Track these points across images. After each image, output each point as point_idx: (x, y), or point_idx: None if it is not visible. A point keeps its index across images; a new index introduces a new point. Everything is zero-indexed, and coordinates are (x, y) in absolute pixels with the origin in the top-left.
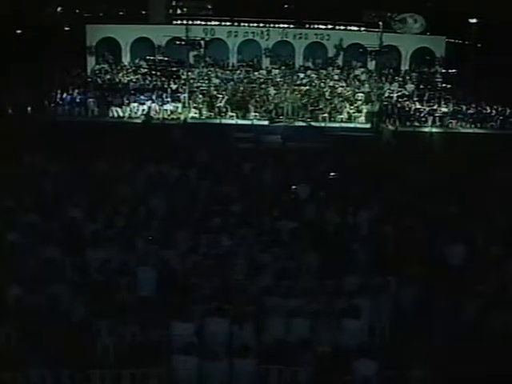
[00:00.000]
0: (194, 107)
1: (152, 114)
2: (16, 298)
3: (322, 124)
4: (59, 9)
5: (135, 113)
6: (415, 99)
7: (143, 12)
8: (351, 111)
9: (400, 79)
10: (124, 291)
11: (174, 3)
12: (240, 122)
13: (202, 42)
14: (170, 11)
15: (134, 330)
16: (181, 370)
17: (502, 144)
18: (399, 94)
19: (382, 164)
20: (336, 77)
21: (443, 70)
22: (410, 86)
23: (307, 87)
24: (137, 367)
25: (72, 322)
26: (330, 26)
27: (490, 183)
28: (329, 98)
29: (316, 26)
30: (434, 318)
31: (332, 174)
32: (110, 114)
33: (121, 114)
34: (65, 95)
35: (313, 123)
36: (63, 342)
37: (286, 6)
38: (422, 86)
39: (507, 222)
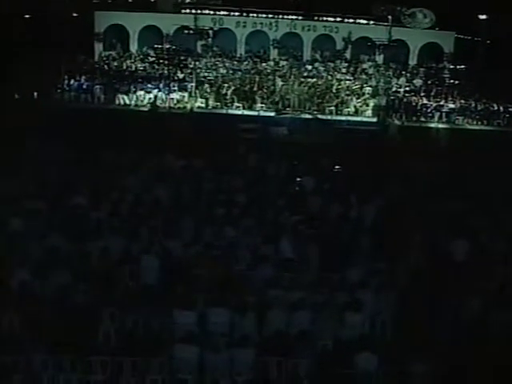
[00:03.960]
0: (201, 97)
1: (158, 102)
2: (19, 284)
3: (329, 117)
4: None
5: (141, 101)
6: (422, 94)
7: (152, 0)
8: (358, 105)
9: (408, 74)
10: (127, 279)
11: None
12: (246, 112)
13: (210, 32)
14: (179, 0)
15: (136, 318)
16: (182, 359)
17: (509, 141)
18: (406, 88)
19: (387, 158)
20: (344, 70)
21: (451, 66)
22: (418, 81)
23: (314, 79)
24: (138, 355)
25: (74, 309)
26: (338, 19)
27: (494, 180)
28: (336, 91)
29: (325, 19)
30: (436, 313)
31: (337, 166)
32: (117, 102)
33: (127, 102)
34: (72, 81)
35: (319, 116)
36: (65, 329)
37: None
38: (429, 82)
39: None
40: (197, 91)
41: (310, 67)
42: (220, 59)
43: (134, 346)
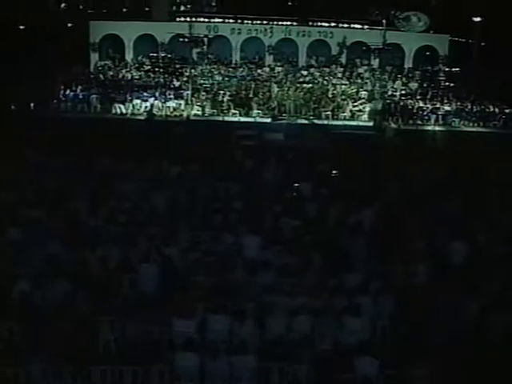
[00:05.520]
0: (197, 104)
1: (155, 110)
2: (19, 293)
3: (325, 122)
4: (63, 5)
5: (138, 109)
6: (418, 97)
7: (146, 9)
8: (354, 109)
9: (403, 77)
10: (126, 288)
11: (177, 0)
12: (243, 119)
13: (205, 39)
14: (174, 8)
15: (136, 327)
16: (182, 367)
17: (505, 143)
18: (402, 92)
19: (384, 162)
20: (339, 75)
21: (446, 69)
22: (413, 85)
23: (310, 85)
24: (138, 363)
25: (74, 318)
26: (333, 24)
27: (491, 182)
28: (332, 95)
29: (319, 24)
30: (436, 316)
31: (334, 171)
32: (113, 111)
33: (123, 111)
34: (68, 91)
35: (315, 121)
36: (65, 338)
37: (289, 3)
38: (425, 85)
39: (508, 220)
40: (193, 99)
41: (305, 73)
42: (215, 66)
43: (133, 355)
